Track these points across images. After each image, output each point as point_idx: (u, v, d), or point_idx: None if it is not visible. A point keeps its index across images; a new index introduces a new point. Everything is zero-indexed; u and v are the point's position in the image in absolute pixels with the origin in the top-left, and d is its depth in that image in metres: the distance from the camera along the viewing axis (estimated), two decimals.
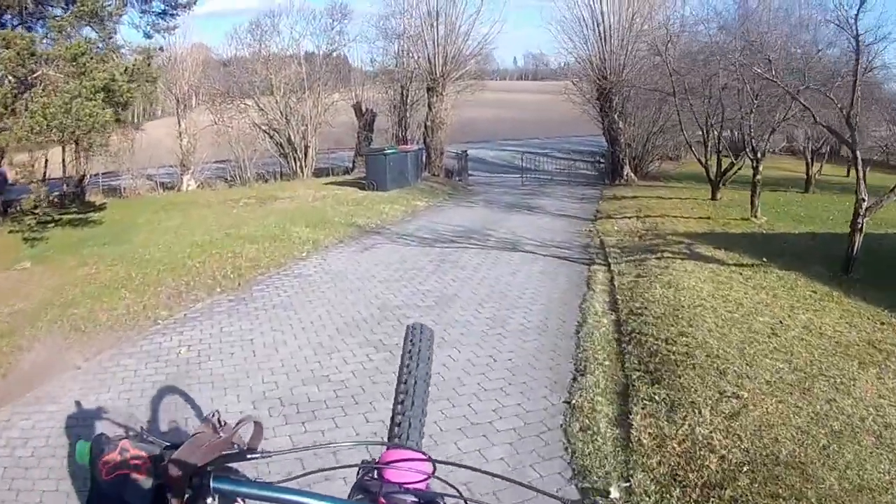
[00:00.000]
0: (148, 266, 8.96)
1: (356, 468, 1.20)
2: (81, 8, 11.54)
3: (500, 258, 9.84)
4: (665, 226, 12.35)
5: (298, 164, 21.47)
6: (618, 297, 7.80)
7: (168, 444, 1.06)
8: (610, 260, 9.71)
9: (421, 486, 1.14)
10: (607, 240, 11.26)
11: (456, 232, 12.04)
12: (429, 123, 20.50)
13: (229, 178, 21.47)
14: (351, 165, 22.71)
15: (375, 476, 1.18)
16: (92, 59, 11.04)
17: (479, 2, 20.47)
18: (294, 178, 21.22)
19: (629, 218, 13.60)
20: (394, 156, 17.43)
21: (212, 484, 1.02)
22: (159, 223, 12.86)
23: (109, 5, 12.21)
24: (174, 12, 15.67)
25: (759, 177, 13.49)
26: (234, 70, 22.42)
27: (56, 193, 17.93)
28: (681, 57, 17.41)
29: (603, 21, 20.35)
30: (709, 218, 13.49)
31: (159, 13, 15.51)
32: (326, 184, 18.57)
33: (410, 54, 21.08)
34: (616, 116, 20.85)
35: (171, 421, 4.48)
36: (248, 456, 1.08)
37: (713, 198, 16.40)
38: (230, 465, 1.08)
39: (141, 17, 15.03)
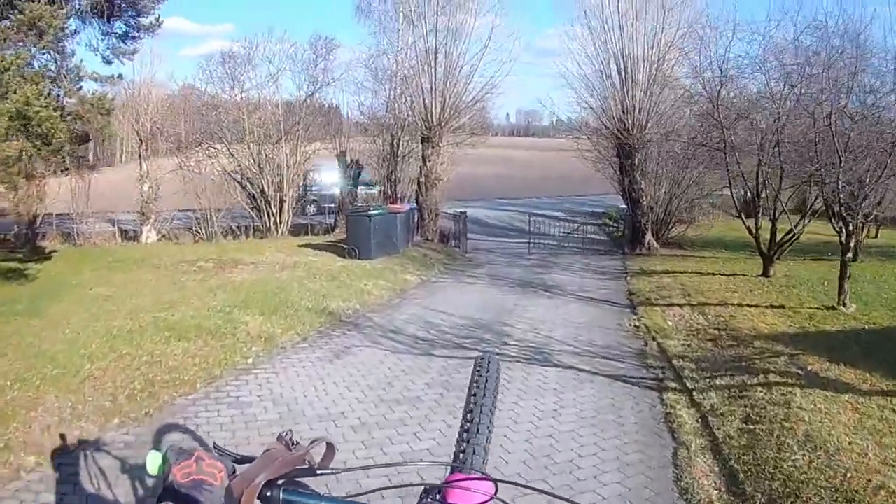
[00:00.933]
0: (37, 365, 6.17)
1: (420, 486, 1.21)
2: (20, 17, 9.49)
3: (528, 379, 6.81)
4: (737, 321, 9.40)
5: (272, 219, 18.49)
6: (735, 466, 4.81)
7: (240, 456, 1.11)
8: (687, 383, 6.71)
9: None
10: (668, 344, 8.27)
11: (460, 328, 9.03)
12: (422, 179, 17.70)
13: (194, 232, 18.40)
14: (333, 223, 19.75)
15: (438, 496, 1.18)
16: (21, 77, 8.67)
17: (484, 37, 17.73)
18: (267, 236, 18.25)
19: (680, 306, 10.67)
20: (380, 217, 14.55)
21: (282, 496, 1.07)
22: (91, 288, 10.21)
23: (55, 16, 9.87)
24: (136, 34, 13.22)
25: (849, 254, 10.62)
26: (204, 109, 19.50)
27: (11, 233, 15.21)
28: (723, 106, 14.80)
29: (625, 68, 17.81)
30: (782, 307, 10.56)
31: (121, 35, 13.09)
32: (301, 245, 15.60)
33: (404, 98, 18.36)
34: (638, 175, 18.15)
35: None
36: (318, 472, 1.13)
37: (765, 273, 13.50)
38: (300, 480, 1.12)
39: (102, 40, 12.69)
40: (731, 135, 14.06)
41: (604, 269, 15.57)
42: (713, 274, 14.00)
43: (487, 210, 28.70)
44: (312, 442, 1.17)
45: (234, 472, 1.06)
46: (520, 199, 34.40)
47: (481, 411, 1.48)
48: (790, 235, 13.13)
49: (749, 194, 14.33)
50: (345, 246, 14.34)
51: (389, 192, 19.38)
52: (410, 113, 18.43)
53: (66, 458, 4.62)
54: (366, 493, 1.17)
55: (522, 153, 70.77)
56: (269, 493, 1.07)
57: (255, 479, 1.04)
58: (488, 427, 1.45)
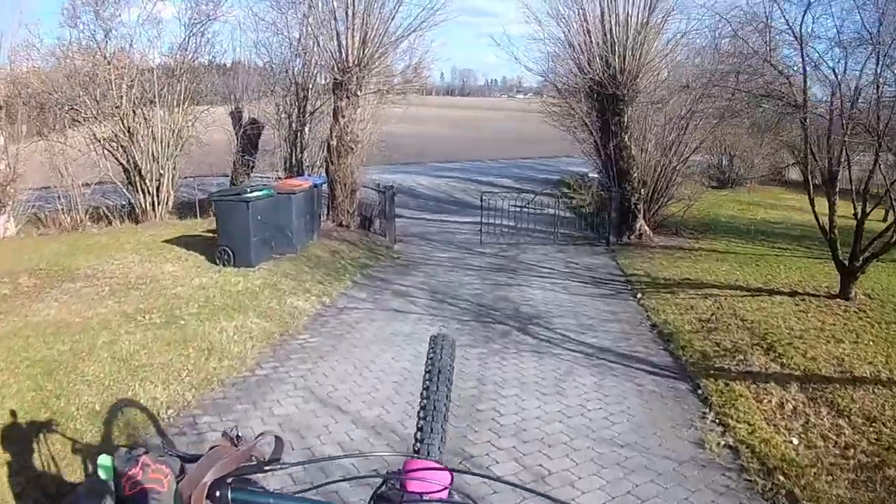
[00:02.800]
0: None
1: (376, 478, 1.18)
2: None
3: None
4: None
5: (149, 198, 12.83)
6: None
7: (188, 456, 1.07)
8: None
9: (441, 495, 1.12)
10: None
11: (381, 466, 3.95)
12: (333, 142, 12.23)
13: (44, 219, 12.57)
14: None
15: (396, 486, 1.15)
16: None
17: None
18: (144, 219, 12.76)
19: (772, 379, 5.90)
20: (265, 202, 9.32)
21: (230, 495, 1.03)
22: None
23: None
24: None
25: None
26: (66, 63, 13.37)
27: None
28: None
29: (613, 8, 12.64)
30: None
31: None
32: (171, 240, 10.35)
33: (312, 32, 12.70)
34: (627, 138, 13.18)
35: None
36: (266, 468, 1.08)
37: (844, 294, 8.85)
38: (249, 476, 1.08)
39: None
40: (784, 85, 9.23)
41: (594, 275, 10.64)
42: (766, 292, 9.28)
43: (422, 177, 23.40)
44: (259, 436, 1.13)
45: (183, 471, 1.03)
46: (458, 162, 29.13)
47: (436, 397, 1.41)
48: (891, 234, 8.36)
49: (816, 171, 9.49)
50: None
51: (293, 159, 13.90)
52: (317, 50, 12.87)
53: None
54: (317, 487, 1.11)
55: (459, 113, 65.23)
56: (217, 493, 1.02)
57: (203, 479, 1.00)
58: (444, 414, 1.40)
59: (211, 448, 1.07)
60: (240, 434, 1.12)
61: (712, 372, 6.39)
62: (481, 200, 13.05)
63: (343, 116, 12.16)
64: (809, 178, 9.54)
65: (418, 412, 1.44)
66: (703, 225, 15.09)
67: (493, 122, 52.79)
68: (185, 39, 13.42)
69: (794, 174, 27.50)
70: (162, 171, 13.02)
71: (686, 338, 7.30)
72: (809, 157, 9.27)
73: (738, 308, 8.34)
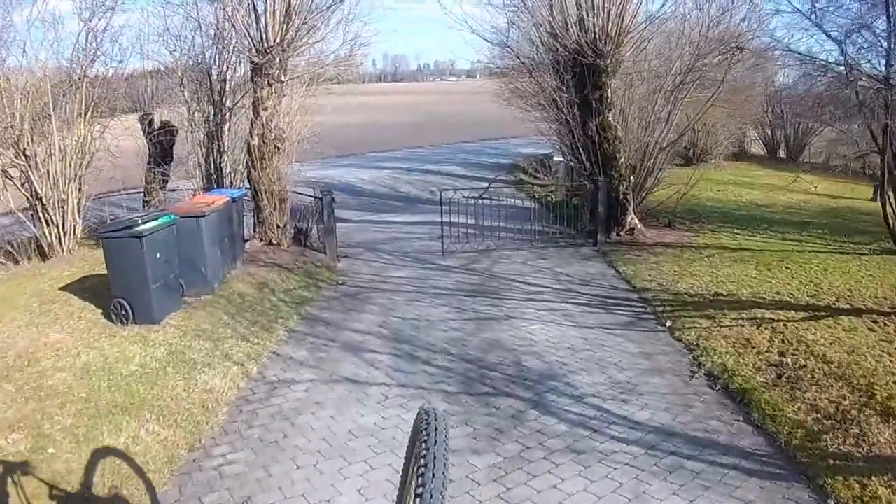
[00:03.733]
0: None
1: None
2: None
3: None
4: None
5: (54, 229, 9.78)
6: None
7: None
8: None
9: None
10: None
11: None
12: (255, 142, 9.55)
13: None
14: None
15: None
16: None
17: None
18: (51, 254, 9.77)
19: None
20: (164, 233, 6.90)
21: None
22: None
23: None
24: None
25: None
26: None
27: None
28: None
29: None
30: None
31: None
32: (69, 285, 7.84)
33: (230, 19, 9.90)
34: (610, 117, 10.96)
35: None
36: None
37: None
38: None
39: None
40: None
41: (597, 292, 8.44)
42: (823, 310, 7.20)
43: (361, 171, 20.75)
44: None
45: None
46: (399, 151, 26.54)
47: (433, 488, 1.19)
48: None
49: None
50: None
51: (212, 167, 11.14)
52: (235, 33, 10.10)
53: None
54: None
55: (395, 99, 62.31)
56: None
57: None
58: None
59: None
60: None
61: (831, 462, 4.27)
62: (440, 201, 10.52)
63: (265, 109, 9.51)
64: (887, 169, 7.42)
65: None
66: (690, 212, 13.03)
67: (430, 106, 50.22)
68: (85, 38, 10.36)
69: (756, 148, 26.24)
70: (64, 197, 10.00)
71: (766, 398, 5.13)
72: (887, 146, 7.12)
73: (807, 339, 6.20)
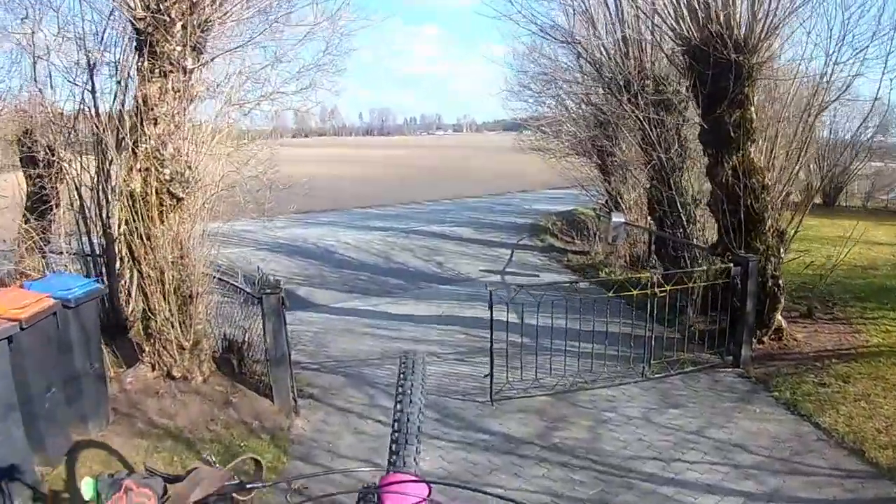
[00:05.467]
0: None
1: (355, 493, 1.14)
2: None
3: None
4: None
5: None
6: None
7: (169, 477, 1.05)
8: None
9: None
10: None
11: None
12: (135, 185, 4.82)
13: None
14: None
15: (374, 500, 1.14)
16: None
17: None
18: None
19: None
20: None
21: None
22: None
23: None
24: None
25: None
26: None
27: None
28: None
29: None
30: None
31: None
32: None
33: None
34: (753, 153, 6.42)
35: None
36: (248, 486, 1.07)
37: None
38: (231, 495, 1.02)
39: None
40: None
41: (827, 496, 3.70)
42: None
43: (345, 231, 15.98)
44: (238, 459, 1.11)
45: (166, 492, 1.01)
46: (391, 207, 21.89)
47: (410, 411, 1.42)
48: None
49: None
50: None
51: (91, 227, 6.37)
52: None
53: None
54: (305, 501, 0.95)
55: (382, 152, 58.05)
56: None
57: (187, 499, 0.98)
58: (417, 427, 1.41)
59: (191, 470, 1.03)
60: (215, 460, 1.09)
61: None
62: (490, 303, 5.47)
63: (155, 121, 4.81)
64: None
65: (392, 427, 1.40)
66: (846, 291, 8.50)
67: (423, 160, 45.99)
68: None
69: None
70: None
71: None
72: None
73: None
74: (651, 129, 8.18)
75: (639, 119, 8.31)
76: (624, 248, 11.36)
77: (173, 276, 4.85)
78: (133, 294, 5.10)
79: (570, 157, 14.20)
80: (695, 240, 8.18)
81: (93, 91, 6.00)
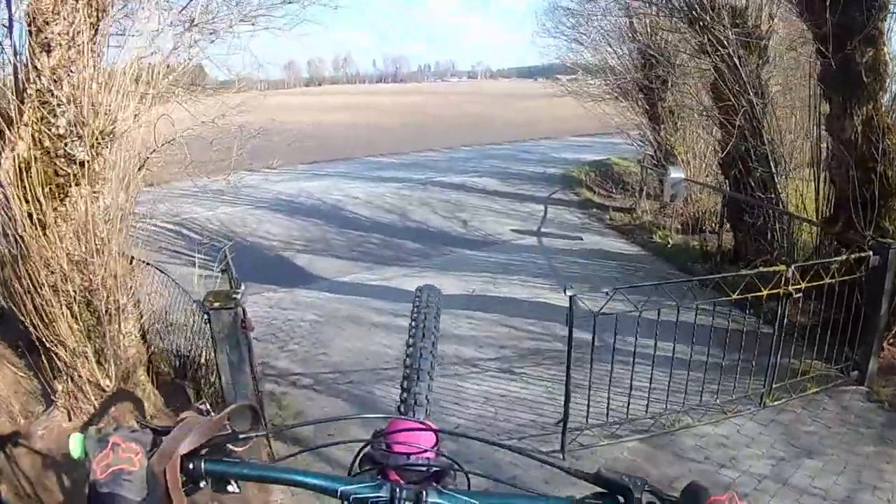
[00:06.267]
0: None
1: (360, 442, 1.06)
2: None
3: None
4: None
5: None
6: None
7: (159, 428, 0.97)
8: None
9: (428, 455, 1.03)
10: None
11: None
12: (20, 149, 3.14)
13: None
14: None
15: (382, 447, 1.06)
16: None
17: None
18: None
19: None
20: None
21: (204, 466, 0.94)
22: None
23: None
24: None
25: None
26: None
27: None
28: None
29: None
30: None
31: None
32: None
33: None
34: (885, 105, 4.65)
35: None
36: (241, 436, 0.99)
37: None
38: (224, 446, 0.97)
39: None
40: None
41: None
42: None
43: (354, 183, 14.24)
44: (231, 406, 1.00)
45: (156, 444, 0.93)
46: (406, 155, 20.04)
47: (420, 354, 1.32)
48: None
49: None
50: None
51: None
52: None
53: None
54: (297, 454, 1.08)
55: (396, 99, 55.40)
56: (191, 466, 0.93)
57: (175, 452, 0.90)
58: (429, 373, 1.30)
59: (180, 420, 0.95)
60: (209, 408, 1.01)
61: None
62: (570, 320, 3.63)
63: (52, 49, 3.07)
64: None
65: (403, 369, 1.31)
66: None
67: (438, 108, 43.63)
68: None
69: None
70: None
71: None
72: None
73: None
74: (730, 70, 6.35)
75: (714, 57, 6.47)
76: (682, 207, 9.58)
77: (81, 285, 3.18)
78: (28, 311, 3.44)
79: (609, 101, 12.32)
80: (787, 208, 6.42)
81: None
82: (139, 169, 3.64)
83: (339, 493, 0.92)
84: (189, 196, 11.63)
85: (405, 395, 1.27)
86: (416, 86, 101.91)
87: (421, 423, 1.11)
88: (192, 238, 9.48)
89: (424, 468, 1.02)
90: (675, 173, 8.97)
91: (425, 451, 1.03)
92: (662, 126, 10.82)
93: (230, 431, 0.98)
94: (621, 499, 0.89)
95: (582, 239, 9.51)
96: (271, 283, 7.43)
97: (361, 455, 1.05)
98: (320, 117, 32.48)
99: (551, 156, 18.73)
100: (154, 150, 3.65)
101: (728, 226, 7.64)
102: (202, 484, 0.95)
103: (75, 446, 0.94)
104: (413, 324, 1.39)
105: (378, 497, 0.93)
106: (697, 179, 9.59)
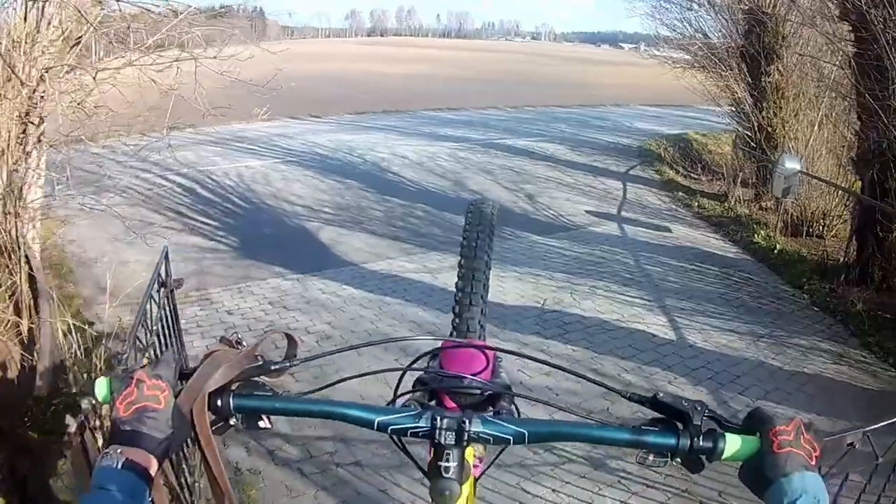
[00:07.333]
0: None
1: (410, 370, 0.95)
2: None
3: None
4: None
5: None
6: None
7: (188, 369, 0.87)
8: None
9: (483, 376, 0.97)
10: None
11: None
12: None
13: None
14: None
15: (435, 363, 1.00)
16: None
17: None
18: None
19: None
20: None
21: (232, 402, 0.83)
22: None
23: None
24: None
25: None
26: None
27: None
28: None
29: None
30: None
31: None
32: None
33: None
34: None
35: None
36: (273, 367, 0.87)
37: None
38: (256, 380, 0.86)
39: None
40: None
41: None
42: None
43: (405, 140, 12.32)
44: (265, 333, 0.90)
45: (183, 380, 0.84)
46: (465, 111, 17.94)
47: (473, 276, 1.19)
48: None
49: None
50: None
51: None
52: None
53: None
54: (336, 383, 0.88)
55: (458, 54, 52.56)
56: (219, 402, 0.83)
57: (202, 388, 0.81)
58: (482, 295, 1.18)
59: (208, 354, 0.85)
60: (241, 338, 0.89)
61: None
62: None
63: None
64: None
65: (455, 295, 1.18)
66: None
67: (502, 62, 41.00)
68: None
69: None
70: None
71: None
72: None
73: None
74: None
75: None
76: (793, 203, 7.46)
77: None
78: None
79: (696, 70, 10.36)
80: None
81: None
82: None
83: (375, 425, 0.83)
84: (218, 143, 10.15)
85: (457, 320, 1.17)
86: (479, 42, 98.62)
87: (475, 341, 1.08)
88: (200, 195, 7.75)
89: (478, 391, 0.96)
90: (791, 163, 6.83)
91: (479, 372, 0.97)
92: (765, 104, 8.66)
93: (261, 363, 0.87)
94: (680, 425, 0.81)
95: (670, 230, 7.59)
96: (281, 264, 5.67)
97: (414, 380, 0.97)
98: (376, 67, 30.53)
99: (624, 125, 16.47)
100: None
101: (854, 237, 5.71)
102: (232, 421, 0.85)
103: (101, 389, 0.82)
104: (465, 242, 1.23)
105: (418, 427, 0.84)
106: (818, 175, 7.54)
